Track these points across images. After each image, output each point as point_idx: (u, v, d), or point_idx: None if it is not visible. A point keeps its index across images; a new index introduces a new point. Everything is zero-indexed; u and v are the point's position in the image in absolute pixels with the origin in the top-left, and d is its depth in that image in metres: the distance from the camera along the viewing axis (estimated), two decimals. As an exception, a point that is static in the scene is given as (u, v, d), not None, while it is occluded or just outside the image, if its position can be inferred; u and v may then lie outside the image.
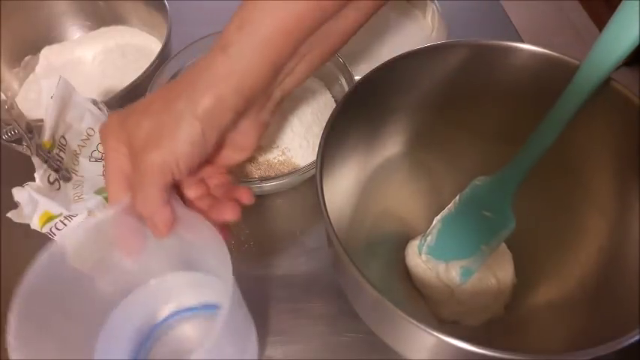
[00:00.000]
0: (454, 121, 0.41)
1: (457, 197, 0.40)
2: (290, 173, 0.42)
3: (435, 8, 0.58)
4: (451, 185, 0.42)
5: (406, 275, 0.42)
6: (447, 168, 0.43)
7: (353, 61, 0.49)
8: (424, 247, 0.41)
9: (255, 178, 0.45)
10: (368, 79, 0.36)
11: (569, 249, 0.37)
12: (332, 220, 0.29)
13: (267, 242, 0.48)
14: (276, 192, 0.47)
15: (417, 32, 0.58)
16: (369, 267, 0.39)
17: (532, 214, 0.38)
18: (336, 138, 0.34)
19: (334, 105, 0.51)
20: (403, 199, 0.43)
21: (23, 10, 0.59)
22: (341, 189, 0.38)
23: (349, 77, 0.47)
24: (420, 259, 0.41)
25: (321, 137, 0.33)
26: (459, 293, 0.39)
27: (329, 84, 0.52)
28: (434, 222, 0.41)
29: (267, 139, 0.46)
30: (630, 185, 0.33)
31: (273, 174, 0.45)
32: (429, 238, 0.41)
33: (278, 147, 0.46)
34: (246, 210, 0.50)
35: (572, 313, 0.35)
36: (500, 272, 0.40)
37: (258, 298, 0.45)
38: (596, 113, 0.33)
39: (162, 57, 0.50)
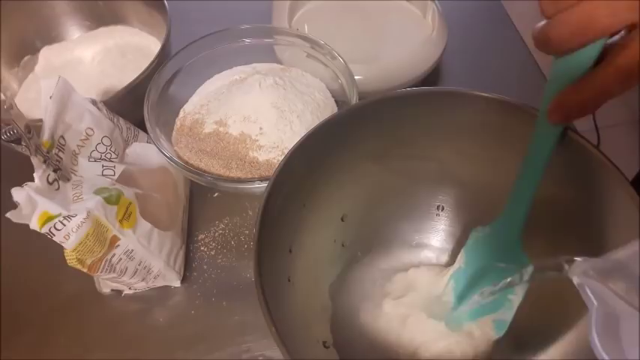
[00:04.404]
0: (398, 170, 0.41)
1: (462, 252, 0.38)
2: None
3: (435, 8, 0.58)
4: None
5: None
6: (397, 221, 0.43)
7: (353, 61, 0.49)
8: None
9: (256, 177, 0.45)
10: (313, 133, 0.35)
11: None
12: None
13: (266, 242, 0.48)
14: (275, 192, 0.47)
15: (417, 32, 0.58)
16: None
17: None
18: (279, 200, 0.34)
19: (334, 105, 0.51)
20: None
21: (23, 10, 0.59)
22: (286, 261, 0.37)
23: (349, 77, 0.47)
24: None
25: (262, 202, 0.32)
26: None
27: (329, 84, 0.52)
28: (445, 281, 0.39)
29: (267, 139, 0.46)
30: None
31: (272, 174, 0.45)
32: (447, 301, 0.38)
33: (278, 147, 0.46)
34: (246, 210, 0.50)
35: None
36: (480, 346, 0.38)
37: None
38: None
39: (162, 57, 0.50)
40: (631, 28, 0.24)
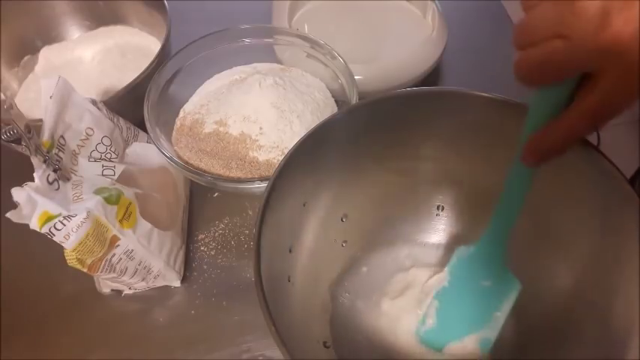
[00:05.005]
0: (398, 170, 0.41)
1: (446, 269, 0.38)
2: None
3: (435, 8, 0.58)
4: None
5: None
6: (397, 221, 0.43)
7: (353, 61, 0.49)
8: (424, 333, 0.38)
9: (256, 177, 0.45)
10: (313, 133, 0.36)
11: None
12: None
13: (266, 242, 0.48)
14: (275, 192, 0.47)
15: (417, 32, 0.58)
16: None
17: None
18: (277, 199, 0.34)
19: (334, 105, 0.51)
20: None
21: (23, 10, 0.59)
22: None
23: (349, 77, 0.47)
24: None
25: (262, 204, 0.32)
26: None
27: (329, 84, 0.52)
28: (428, 301, 0.38)
29: (267, 139, 0.46)
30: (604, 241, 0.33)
31: (272, 174, 0.45)
32: (429, 321, 0.38)
33: (278, 147, 0.46)
34: (246, 210, 0.50)
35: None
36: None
37: (258, 298, 0.45)
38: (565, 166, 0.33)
39: (162, 57, 0.50)
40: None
